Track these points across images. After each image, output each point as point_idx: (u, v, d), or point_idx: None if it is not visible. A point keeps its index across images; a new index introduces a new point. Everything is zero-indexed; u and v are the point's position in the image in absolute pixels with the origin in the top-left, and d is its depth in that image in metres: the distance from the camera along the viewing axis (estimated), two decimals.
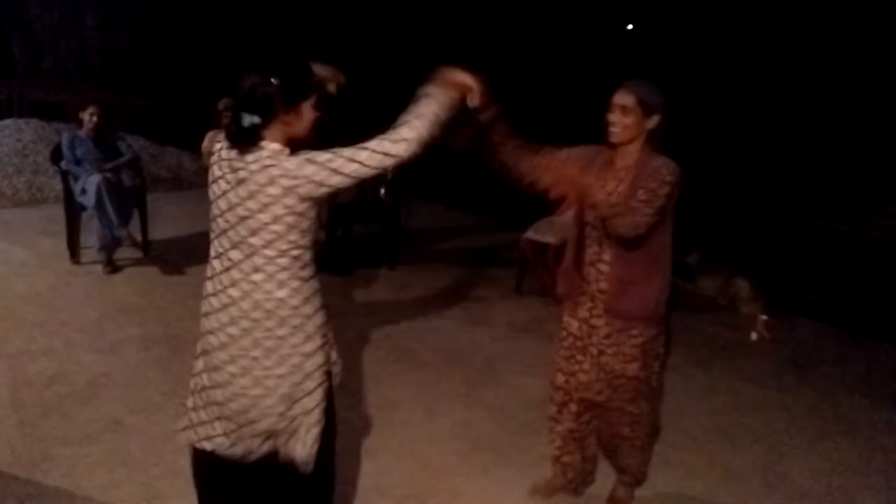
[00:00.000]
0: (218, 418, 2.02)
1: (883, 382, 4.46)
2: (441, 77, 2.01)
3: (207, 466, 2.10)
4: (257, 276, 1.90)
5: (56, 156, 5.60)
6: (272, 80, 1.85)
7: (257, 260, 1.89)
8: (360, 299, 5.15)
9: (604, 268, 2.52)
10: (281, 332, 1.93)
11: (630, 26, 9.07)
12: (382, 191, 6.10)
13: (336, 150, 1.87)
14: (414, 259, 6.33)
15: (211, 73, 10.29)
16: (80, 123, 5.51)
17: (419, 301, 5.30)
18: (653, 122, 2.39)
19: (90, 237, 5.51)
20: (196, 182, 8.85)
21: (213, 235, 1.98)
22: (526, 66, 9.02)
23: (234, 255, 1.91)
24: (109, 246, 5.39)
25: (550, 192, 2.48)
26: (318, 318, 2.02)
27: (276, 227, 1.86)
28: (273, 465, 2.05)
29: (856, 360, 4.84)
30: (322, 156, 1.85)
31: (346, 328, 4.37)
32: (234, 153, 1.88)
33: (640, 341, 2.53)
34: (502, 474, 3.10)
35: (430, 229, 7.58)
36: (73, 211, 5.55)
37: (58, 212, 5.89)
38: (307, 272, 1.97)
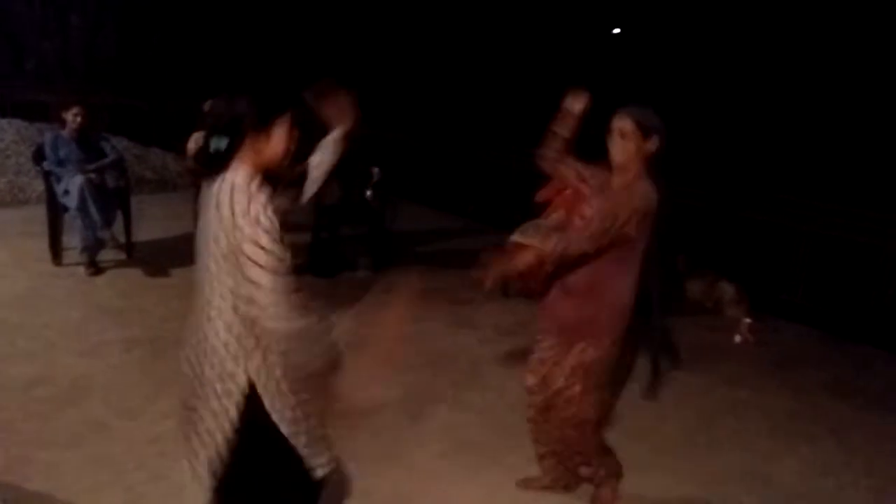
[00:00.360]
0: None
1: (866, 385, 4.49)
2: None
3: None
4: (220, 303, 1.89)
5: (39, 156, 5.55)
6: (241, 103, 1.82)
7: (216, 285, 1.89)
8: (345, 301, 5.13)
9: (561, 274, 2.59)
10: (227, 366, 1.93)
11: (617, 30, 9.12)
12: (369, 193, 6.09)
13: (271, 275, 1.78)
14: (399, 261, 6.32)
15: (196, 74, 10.23)
16: (63, 124, 5.46)
17: (405, 303, 5.28)
18: (652, 144, 2.44)
19: (73, 238, 5.46)
20: (181, 183, 8.79)
21: (199, 266, 1.98)
22: (512, 72, 9.05)
23: (205, 275, 1.92)
24: (92, 247, 5.35)
25: (538, 194, 2.58)
26: (246, 364, 1.95)
27: (220, 244, 1.81)
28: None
29: (839, 362, 4.87)
30: (260, 248, 1.77)
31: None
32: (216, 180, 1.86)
33: (580, 362, 2.59)
34: (488, 477, 3.09)
35: (417, 231, 7.57)
36: (56, 212, 5.50)
37: (40, 213, 5.84)
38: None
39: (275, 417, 1.96)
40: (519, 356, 4.40)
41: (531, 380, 2.79)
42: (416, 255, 6.76)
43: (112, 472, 2.90)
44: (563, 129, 2.59)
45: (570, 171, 2.66)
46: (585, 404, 2.66)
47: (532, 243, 5.07)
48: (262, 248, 1.77)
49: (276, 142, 1.88)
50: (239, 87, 1.87)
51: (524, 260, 2.54)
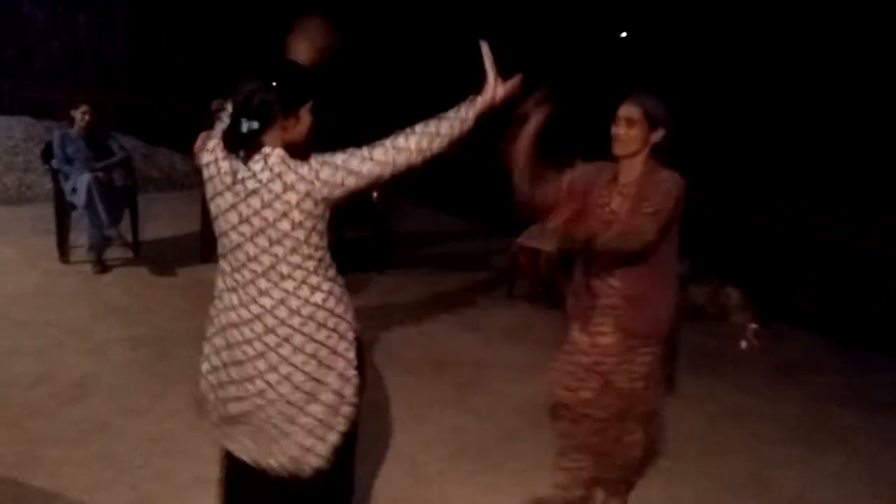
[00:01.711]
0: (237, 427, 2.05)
1: (872, 392, 4.48)
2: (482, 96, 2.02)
3: (234, 475, 2.13)
4: (288, 284, 1.90)
5: (47, 154, 5.57)
6: (271, 85, 1.84)
7: (284, 268, 1.89)
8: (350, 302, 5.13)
9: (614, 283, 2.48)
10: (319, 335, 1.94)
11: (624, 34, 9.12)
12: (374, 194, 6.09)
13: (350, 150, 1.88)
14: (405, 263, 6.32)
15: (204, 73, 10.26)
16: (71, 122, 5.48)
17: (409, 305, 5.29)
18: (658, 135, 2.39)
19: (80, 236, 5.48)
20: (187, 183, 8.81)
21: (224, 248, 1.96)
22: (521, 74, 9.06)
23: (256, 266, 1.90)
24: (99, 246, 5.36)
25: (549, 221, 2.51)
26: (350, 316, 2.04)
27: (297, 234, 1.85)
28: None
29: (845, 369, 4.86)
30: (336, 157, 1.86)
31: None
32: (235, 162, 1.86)
33: (649, 359, 2.52)
34: (491, 481, 3.09)
35: (422, 233, 7.58)
36: (64, 210, 5.51)
37: (48, 211, 5.85)
38: (332, 272, 2.00)
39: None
40: (523, 359, 4.41)
41: (565, 395, 2.60)
42: (421, 257, 6.76)
43: (117, 470, 2.90)
44: (524, 143, 2.42)
45: (554, 188, 2.55)
46: (655, 401, 2.61)
47: (538, 245, 5.08)
48: (340, 162, 1.85)
49: (302, 125, 1.91)
50: (264, 72, 1.88)
51: (586, 227, 2.36)
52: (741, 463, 3.47)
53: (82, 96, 5.84)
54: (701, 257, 5.58)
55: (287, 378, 1.93)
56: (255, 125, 1.83)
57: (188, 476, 2.88)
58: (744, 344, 5.01)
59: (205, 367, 2.10)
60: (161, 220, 6.88)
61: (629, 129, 2.38)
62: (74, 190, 5.28)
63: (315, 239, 1.90)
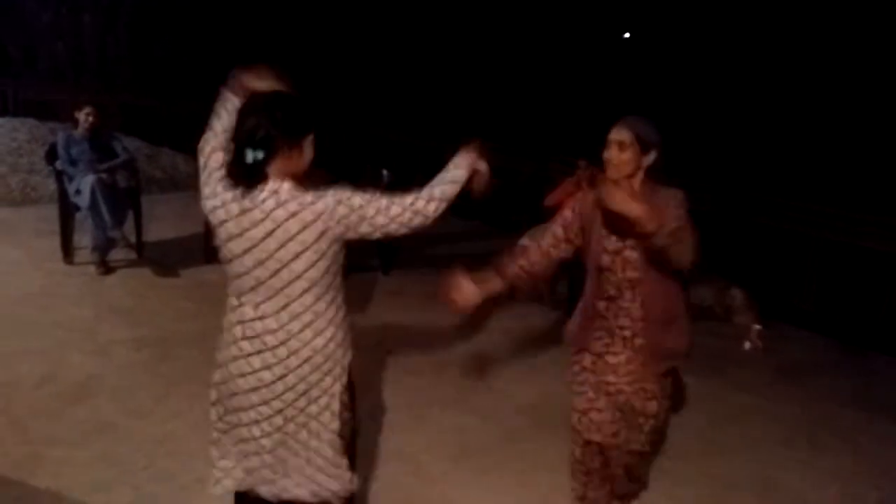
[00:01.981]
0: (245, 455, 2.08)
1: (876, 393, 4.47)
2: (467, 154, 2.12)
3: None
4: (294, 325, 1.92)
5: (51, 155, 5.58)
6: (275, 117, 1.85)
7: (296, 307, 1.90)
8: (353, 304, 5.12)
9: (626, 305, 2.45)
10: (313, 378, 1.97)
11: (627, 35, 9.11)
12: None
13: (369, 195, 1.90)
14: (408, 264, 6.32)
15: (207, 74, 10.28)
16: (75, 123, 5.50)
17: (413, 306, 5.29)
18: (650, 158, 2.37)
19: (84, 238, 5.50)
20: (191, 183, 8.81)
21: (238, 289, 1.96)
22: (524, 76, 9.05)
23: (267, 307, 1.91)
24: (103, 247, 5.38)
25: (546, 198, 2.51)
26: (347, 359, 2.08)
27: (311, 274, 1.87)
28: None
29: (849, 370, 4.85)
30: (354, 199, 1.87)
31: None
32: (245, 202, 1.85)
33: (660, 377, 2.50)
34: (494, 481, 3.09)
35: (425, 234, 7.53)
36: (68, 211, 5.53)
37: (52, 212, 5.87)
38: (341, 313, 2.04)
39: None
40: (526, 360, 4.41)
41: (574, 417, 2.59)
42: (425, 258, 6.76)
43: (120, 471, 2.91)
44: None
45: (554, 241, 2.64)
46: (663, 415, 2.57)
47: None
48: (357, 206, 1.87)
49: (306, 156, 1.93)
50: (271, 103, 1.89)
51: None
52: (743, 463, 3.46)
53: (86, 98, 5.87)
54: (705, 258, 5.57)
55: (279, 412, 1.98)
56: (260, 155, 1.83)
57: (191, 477, 2.89)
58: (747, 345, 5.00)
59: (213, 394, 2.14)
60: (164, 221, 6.89)
61: (621, 153, 2.36)
62: (78, 191, 5.30)
63: (329, 278, 1.92)
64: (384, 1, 10.47)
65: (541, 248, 2.63)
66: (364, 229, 1.89)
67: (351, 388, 2.10)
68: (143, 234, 5.92)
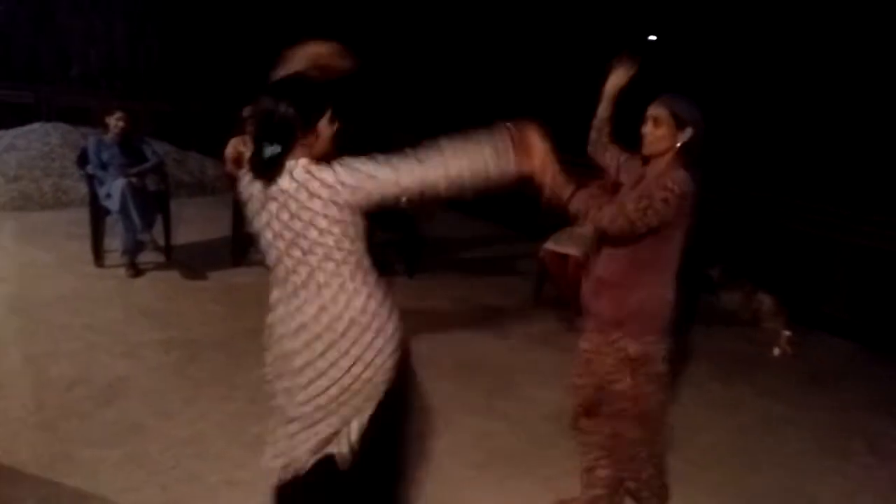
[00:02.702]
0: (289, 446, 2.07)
1: None
2: (518, 139, 1.95)
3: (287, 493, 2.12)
4: (326, 293, 1.92)
5: (82, 160, 5.67)
6: (286, 106, 1.85)
7: (320, 277, 1.91)
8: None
9: (597, 266, 2.58)
10: (366, 337, 1.96)
11: (653, 37, 9.05)
12: (403, 199, 6.11)
13: (384, 162, 1.87)
14: (433, 268, 6.33)
15: (234, 80, 10.39)
16: (106, 128, 5.58)
17: (438, 310, 5.30)
18: (685, 135, 2.39)
19: (114, 241, 5.58)
20: (218, 187, 8.92)
21: (270, 262, 2.00)
22: (545, 77, 9.03)
23: (296, 278, 1.93)
24: (132, 250, 5.45)
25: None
26: (395, 317, 2.09)
27: (326, 240, 1.87)
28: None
29: (881, 377, 4.76)
30: (364, 163, 1.86)
31: None
32: (263, 183, 1.90)
33: (623, 355, 2.50)
34: (520, 487, 3.07)
35: (450, 238, 7.58)
36: (98, 214, 5.61)
37: (83, 215, 5.97)
38: (371, 277, 2.02)
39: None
40: (552, 365, 4.38)
41: (577, 378, 2.70)
42: (450, 262, 6.77)
43: (149, 472, 2.94)
44: (604, 109, 2.68)
45: (611, 159, 2.71)
46: (642, 400, 2.54)
47: (566, 251, 5.05)
48: (363, 168, 1.84)
49: (323, 139, 1.93)
50: (277, 89, 1.90)
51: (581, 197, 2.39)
52: (772, 472, 3.41)
53: (117, 103, 5.95)
54: (733, 263, 5.51)
55: (337, 382, 1.96)
56: (278, 149, 1.85)
57: (218, 478, 2.91)
58: (776, 351, 4.94)
59: (267, 373, 2.14)
60: (193, 224, 6.97)
61: (656, 129, 2.42)
62: (109, 195, 5.38)
63: (346, 244, 1.91)
64: (406, 4, 10.52)
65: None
66: (375, 189, 1.86)
67: (406, 349, 2.14)
68: (172, 237, 5.98)
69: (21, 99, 9.37)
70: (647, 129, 2.44)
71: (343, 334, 1.93)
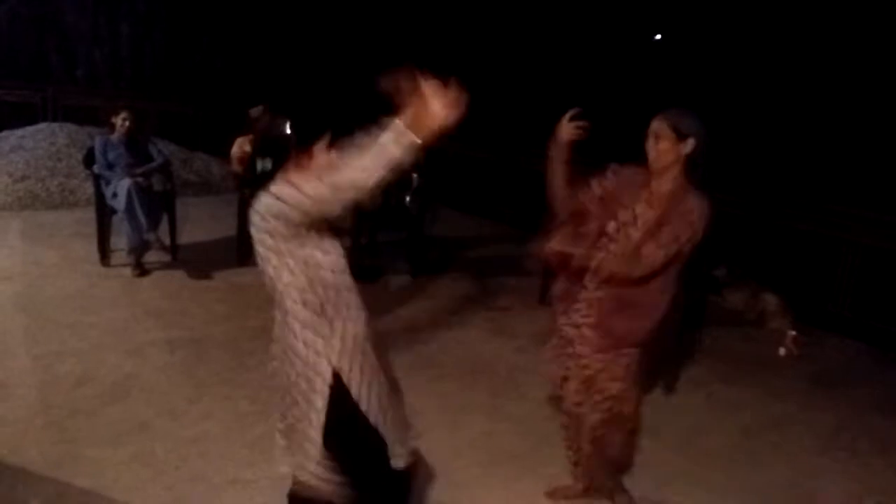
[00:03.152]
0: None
1: None
2: (411, 116, 1.70)
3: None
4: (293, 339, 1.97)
5: (89, 159, 5.69)
6: (284, 123, 1.86)
7: (290, 320, 1.94)
8: (383, 307, 5.15)
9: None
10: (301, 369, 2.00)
11: (658, 36, 9.03)
12: (407, 198, 6.12)
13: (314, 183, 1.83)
14: (438, 267, 6.33)
15: (240, 80, 10.42)
16: (112, 128, 5.60)
17: (443, 310, 5.30)
18: (688, 146, 2.42)
19: (120, 240, 5.60)
20: (224, 187, 8.95)
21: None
22: (552, 78, 9.02)
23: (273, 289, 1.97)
24: (138, 249, 5.47)
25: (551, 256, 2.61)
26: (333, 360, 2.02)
27: (268, 270, 1.90)
28: None
29: (886, 378, 4.74)
30: (301, 190, 1.78)
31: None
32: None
33: (626, 361, 2.59)
34: (525, 487, 3.07)
35: (455, 238, 7.58)
36: (104, 214, 5.64)
37: (89, 215, 5.99)
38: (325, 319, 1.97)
39: (362, 406, 2.01)
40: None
41: (575, 406, 2.72)
42: (454, 262, 6.77)
43: (154, 471, 2.95)
44: (558, 154, 2.61)
45: (588, 201, 2.64)
46: (632, 403, 2.66)
47: (570, 251, 5.04)
48: (302, 189, 1.75)
49: (318, 161, 1.91)
50: (280, 106, 1.90)
51: (579, 259, 2.55)
52: (778, 472, 3.40)
53: (123, 103, 5.98)
54: (738, 263, 5.50)
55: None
56: (269, 164, 1.84)
57: (223, 478, 2.92)
58: (782, 351, 4.92)
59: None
60: (198, 223, 6.99)
61: (657, 144, 2.46)
62: (115, 194, 5.40)
63: (301, 284, 1.91)
64: (412, 11, 10.52)
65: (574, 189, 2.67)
66: (293, 216, 1.77)
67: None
68: (178, 236, 6.01)
69: (28, 99, 9.41)
70: (650, 145, 2.49)
71: (293, 370, 2.01)
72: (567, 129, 2.56)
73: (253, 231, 1.87)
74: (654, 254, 2.40)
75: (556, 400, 2.87)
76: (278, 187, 1.79)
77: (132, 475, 2.91)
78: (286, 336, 1.96)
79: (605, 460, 2.81)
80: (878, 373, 4.82)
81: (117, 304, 4.87)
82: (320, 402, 1.97)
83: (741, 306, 5.32)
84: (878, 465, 3.56)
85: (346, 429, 2.01)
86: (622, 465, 2.94)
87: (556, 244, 2.76)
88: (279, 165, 1.85)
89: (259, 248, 1.88)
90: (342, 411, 1.99)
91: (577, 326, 2.63)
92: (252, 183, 1.88)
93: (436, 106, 1.68)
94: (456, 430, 3.54)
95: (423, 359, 4.36)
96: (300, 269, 1.86)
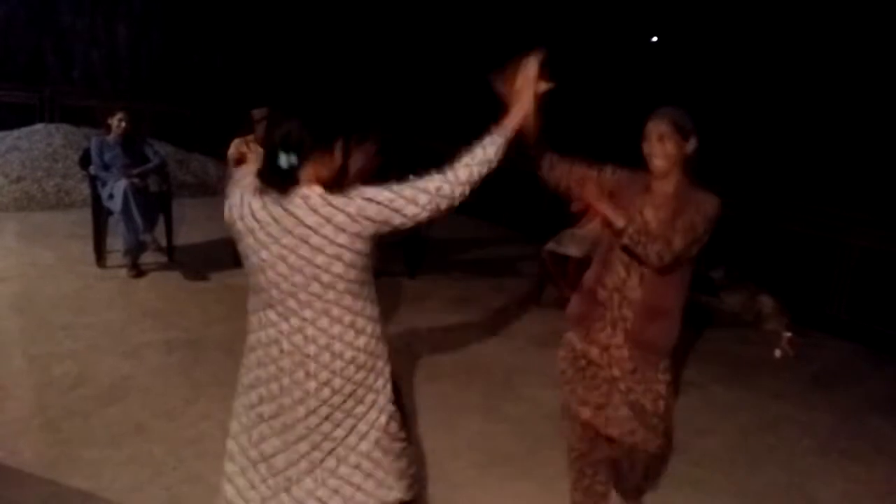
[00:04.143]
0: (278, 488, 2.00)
1: None
2: (515, 108, 2.07)
3: None
4: (336, 329, 1.89)
5: (85, 160, 5.68)
6: (310, 121, 1.85)
7: (335, 311, 1.88)
8: (380, 308, 5.15)
9: (630, 294, 2.43)
10: (358, 376, 1.93)
11: (655, 38, 9.05)
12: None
13: (395, 188, 1.87)
14: (435, 269, 6.34)
15: (237, 81, 10.41)
16: (108, 129, 5.59)
17: (440, 311, 5.30)
18: (691, 146, 2.35)
19: (116, 241, 5.59)
20: (220, 188, 8.93)
21: (265, 301, 1.95)
22: (553, 78, 9.04)
23: (307, 313, 1.88)
24: (134, 250, 5.46)
25: (573, 204, 2.49)
26: (386, 354, 2.03)
27: (350, 275, 1.86)
28: None
29: (882, 378, 4.76)
30: (382, 194, 1.85)
31: None
32: (275, 210, 1.84)
33: (667, 378, 2.47)
34: (521, 488, 3.08)
35: (452, 239, 7.58)
36: (100, 215, 5.62)
37: (85, 216, 5.98)
38: (377, 310, 2.00)
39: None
40: (553, 366, 4.37)
41: (586, 412, 2.57)
42: (451, 263, 6.77)
43: (151, 472, 2.95)
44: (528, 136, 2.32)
45: (590, 186, 2.49)
46: (671, 413, 2.55)
47: (567, 252, 5.05)
48: (386, 200, 1.85)
49: (336, 161, 1.91)
50: (296, 106, 1.91)
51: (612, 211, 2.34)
52: (774, 473, 3.41)
53: (119, 104, 5.97)
54: (736, 265, 5.51)
55: (327, 419, 1.93)
56: (294, 160, 1.82)
57: (220, 479, 2.91)
58: (778, 352, 4.94)
59: (235, 427, 2.10)
60: (195, 225, 6.98)
61: (662, 145, 2.34)
62: (111, 196, 5.39)
63: (363, 276, 1.91)
64: (415, 10, 10.54)
65: (574, 165, 2.56)
66: (397, 221, 1.88)
67: (396, 386, 2.08)
68: (174, 237, 6.00)
69: (24, 100, 9.38)
70: (653, 147, 2.36)
71: (339, 373, 1.90)
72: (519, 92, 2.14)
73: (313, 224, 1.80)
74: (674, 236, 2.26)
75: (574, 426, 2.69)
76: (356, 191, 1.84)
77: (129, 476, 2.91)
78: (334, 331, 1.89)
79: (644, 467, 2.67)
80: (874, 374, 4.84)
81: (113, 306, 4.86)
82: (381, 381, 1.99)
83: (738, 308, 5.33)
84: (873, 463, 3.57)
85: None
86: (644, 484, 2.81)
87: (552, 246, 2.70)
88: (303, 161, 1.83)
89: (311, 240, 1.81)
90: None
91: (606, 348, 2.49)
92: (275, 177, 1.84)
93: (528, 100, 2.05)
94: (453, 430, 3.54)
95: (421, 359, 4.36)
96: (357, 261, 1.87)
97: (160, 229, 5.70)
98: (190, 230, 6.71)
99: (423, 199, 1.88)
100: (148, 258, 5.70)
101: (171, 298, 5.09)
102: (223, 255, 5.94)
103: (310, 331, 1.89)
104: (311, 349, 1.89)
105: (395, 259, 6.15)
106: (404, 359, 4.31)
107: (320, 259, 1.82)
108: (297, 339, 1.90)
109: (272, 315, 1.94)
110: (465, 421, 3.65)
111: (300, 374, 1.91)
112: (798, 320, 5.15)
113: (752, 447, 3.66)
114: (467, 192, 1.95)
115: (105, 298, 4.99)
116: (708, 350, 4.91)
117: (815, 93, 6.86)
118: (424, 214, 1.91)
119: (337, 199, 1.83)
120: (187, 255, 6.02)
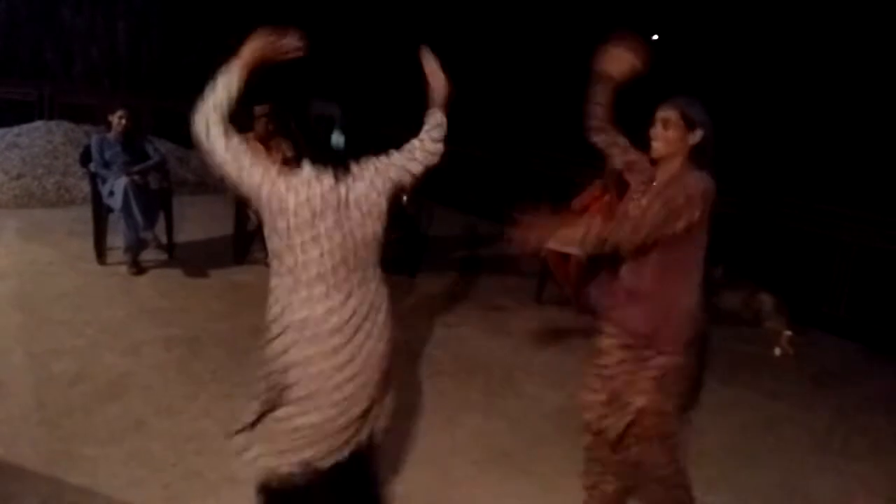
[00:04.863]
0: (312, 442, 2.11)
1: None
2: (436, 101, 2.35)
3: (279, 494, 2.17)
4: (373, 284, 2.15)
5: (85, 158, 5.68)
6: (350, 105, 2.08)
7: (370, 271, 2.13)
8: None
9: (622, 277, 2.48)
10: (386, 319, 2.21)
11: (655, 37, 9.05)
12: (404, 198, 6.11)
13: (395, 153, 2.21)
14: (435, 266, 6.34)
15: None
16: (108, 126, 5.60)
17: (439, 308, 5.30)
18: (695, 137, 2.34)
19: (116, 238, 5.58)
20: (221, 186, 8.91)
21: (317, 268, 2.04)
22: (548, 77, 9.04)
23: (354, 276, 2.09)
24: (135, 247, 5.46)
25: (573, 203, 2.53)
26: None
27: (380, 235, 2.10)
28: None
29: (881, 377, 4.76)
30: (395, 159, 2.19)
31: None
32: (328, 180, 2.02)
33: (655, 374, 2.41)
34: (520, 485, 3.08)
35: (452, 237, 7.58)
36: (101, 212, 5.62)
37: (86, 213, 5.98)
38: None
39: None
40: (553, 364, 4.39)
41: (591, 394, 2.54)
42: (451, 261, 6.77)
43: (150, 469, 2.95)
44: (601, 96, 2.52)
45: (620, 151, 2.58)
46: (665, 419, 2.46)
47: (568, 250, 5.05)
48: (404, 151, 2.24)
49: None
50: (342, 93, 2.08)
51: (565, 234, 2.46)
52: (772, 471, 3.41)
53: (119, 101, 5.96)
54: (735, 263, 5.51)
55: (374, 367, 2.16)
56: (342, 140, 2.04)
57: (220, 475, 2.92)
58: (778, 351, 4.94)
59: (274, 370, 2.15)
60: (195, 222, 6.98)
61: (665, 131, 2.36)
62: (111, 193, 5.39)
63: (382, 236, 2.15)
64: (411, 11, 10.55)
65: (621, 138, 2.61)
66: (407, 181, 2.17)
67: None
68: (174, 235, 6.00)
69: (24, 96, 9.38)
70: (657, 131, 2.38)
71: (383, 322, 2.14)
72: (617, 60, 2.43)
73: (380, 187, 2.10)
74: (643, 214, 2.27)
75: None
76: (371, 161, 2.14)
77: (129, 473, 2.91)
78: (369, 297, 2.12)
79: (655, 480, 2.58)
80: (872, 373, 4.84)
81: (114, 303, 4.86)
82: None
83: (737, 306, 5.33)
84: (871, 462, 3.57)
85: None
86: (671, 482, 2.61)
87: (553, 244, 2.69)
88: (352, 142, 2.07)
89: (381, 205, 2.09)
90: None
91: (601, 338, 2.54)
92: (338, 158, 2.05)
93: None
94: (451, 427, 3.54)
95: (420, 357, 4.36)
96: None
97: (160, 226, 5.69)
98: (190, 228, 6.71)
99: (419, 155, 2.23)
100: (148, 255, 5.70)
101: (171, 296, 5.10)
102: (223, 252, 5.95)
103: (358, 292, 2.10)
104: (364, 308, 2.12)
105: (394, 257, 6.14)
106: (404, 356, 4.32)
107: (368, 221, 2.06)
108: (353, 301, 2.08)
109: (314, 291, 2.06)
110: (464, 418, 3.65)
111: (346, 333, 2.09)
112: (797, 319, 5.15)
113: (751, 445, 3.66)
114: (438, 152, 2.28)
115: (105, 295, 4.99)
116: (707, 348, 4.91)
117: (815, 92, 6.87)
118: (420, 170, 2.23)
119: (368, 166, 2.10)
120: (187, 253, 6.02)
